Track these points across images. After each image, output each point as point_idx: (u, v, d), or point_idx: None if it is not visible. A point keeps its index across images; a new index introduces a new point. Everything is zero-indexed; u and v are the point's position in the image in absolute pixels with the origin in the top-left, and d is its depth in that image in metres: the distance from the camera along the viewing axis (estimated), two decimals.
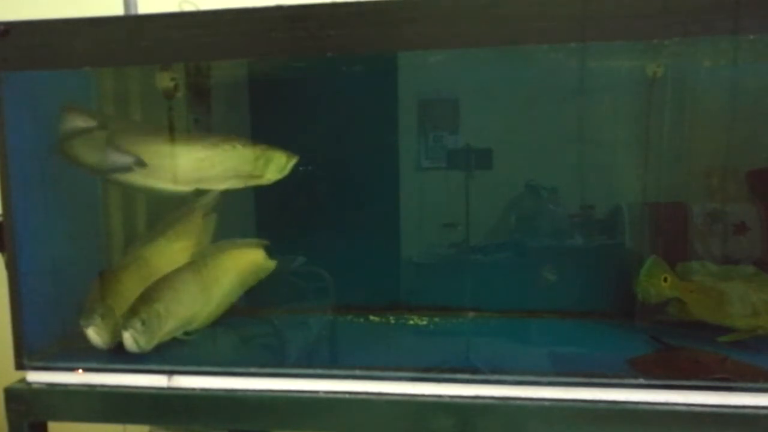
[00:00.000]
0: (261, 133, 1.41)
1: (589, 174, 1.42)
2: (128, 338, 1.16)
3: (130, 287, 1.27)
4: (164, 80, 1.33)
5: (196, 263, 1.35)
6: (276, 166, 1.32)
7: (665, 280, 1.26)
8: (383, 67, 1.36)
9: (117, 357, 1.19)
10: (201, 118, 1.45)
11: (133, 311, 1.18)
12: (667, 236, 1.38)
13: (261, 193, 1.49)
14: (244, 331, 1.37)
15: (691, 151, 1.39)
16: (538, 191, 1.44)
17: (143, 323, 1.17)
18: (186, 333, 1.29)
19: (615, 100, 1.39)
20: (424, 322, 1.43)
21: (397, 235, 1.47)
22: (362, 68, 1.30)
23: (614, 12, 0.95)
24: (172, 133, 1.34)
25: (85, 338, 1.20)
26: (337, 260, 1.45)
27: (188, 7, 1.12)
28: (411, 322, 1.44)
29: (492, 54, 1.17)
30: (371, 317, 1.46)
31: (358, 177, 1.45)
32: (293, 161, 1.33)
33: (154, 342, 1.20)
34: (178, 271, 1.30)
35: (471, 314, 1.44)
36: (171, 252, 1.37)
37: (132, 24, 1.10)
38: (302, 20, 1.01)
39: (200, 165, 1.31)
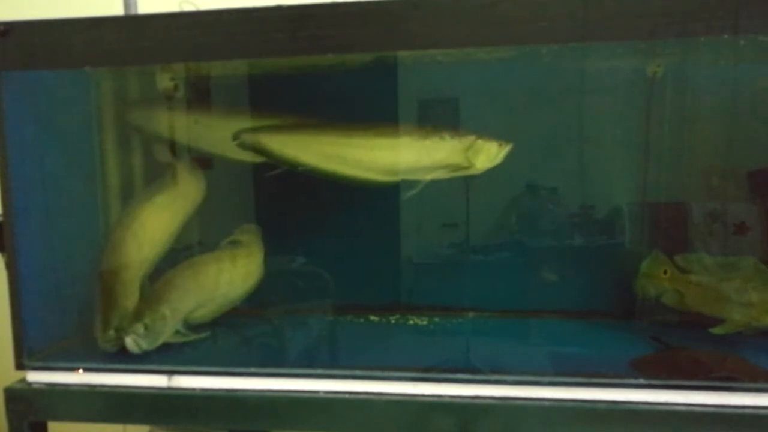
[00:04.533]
0: None
1: (589, 174, 1.42)
2: (130, 342, 1.18)
3: (136, 268, 1.31)
4: (164, 80, 1.33)
5: (199, 261, 1.37)
6: (486, 156, 1.29)
7: (665, 272, 1.27)
8: (382, 65, 1.35)
9: (117, 357, 1.19)
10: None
11: (137, 316, 1.21)
12: (668, 236, 1.38)
13: (261, 193, 1.49)
14: (244, 331, 1.37)
15: (691, 151, 1.39)
16: (538, 191, 1.44)
17: (146, 327, 1.19)
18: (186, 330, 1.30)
19: (614, 100, 1.39)
20: (424, 322, 1.43)
21: (398, 235, 1.47)
22: (362, 67, 1.30)
23: (614, 12, 0.95)
24: (379, 125, 1.34)
25: (87, 340, 1.21)
26: (338, 260, 1.45)
27: (188, 7, 1.11)
28: (411, 322, 1.44)
29: (492, 53, 1.17)
30: (371, 317, 1.46)
31: None
32: (505, 149, 1.29)
33: (158, 342, 1.21)
34: (181, 270, 1.32)
35: (471, 314, 1.44)
36: (165, 211, 1.39)
37: (132, 24, 1.10)
38: (302, 20, 1.01)
39: (407, 157, 1.31)
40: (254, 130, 1.32)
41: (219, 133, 1.37)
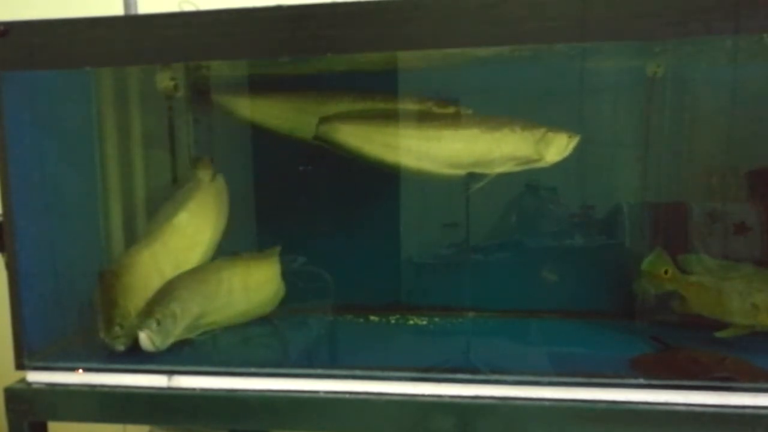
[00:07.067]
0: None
1: (589, 174, 1.42)
2: (144, 338, 1.16)
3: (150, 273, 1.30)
4: (164, 80, 1.33)
5: (213, 265, 1.38)
6: (557, 148, 1.26)
7: (666, 272, 1.26)
8: (383, 65, 1.35)
9: (117, 357, 1.19)
10: (201, 117, 1.45)
11: (148, 311, 1.19)
12: (668, 236, 1.38)
13: (261, 193, 1.49)
14: (244, 332, 1.37)
15: (691, 151, 1.39)
16: (538, 191, 1.44)
17: (158, 323, 1.18)
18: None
19: (615, 100, 1.39)
20: (424, 322, 1.43)
21: (398, 235, 1.47)
22: (361, 67, 1.30)
23: (614, 12, 0.95)
24: (449, 116, 1.31)
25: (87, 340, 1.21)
26: (338, 260, 1.45)
27: (188, 7, 1.11)
28: (411, 322, 1.44)
29: (493, 53, 1.17)
30: (371, 317, 1.46)
31: (359, 176, 1.45)
32: (575, 141, 1.27)
33: (170, 341, 1.20)
34: (195, 271, 1.33)
35: (471, 314, 1.44)
36: (193, 226, 1.38)
37: (132, 24, 1.10)
38: (302, 20, 1.01)
39: (477, 149, 1.28)
40: (324, 120, 1.28)
41: (312, 119, 1.33)
